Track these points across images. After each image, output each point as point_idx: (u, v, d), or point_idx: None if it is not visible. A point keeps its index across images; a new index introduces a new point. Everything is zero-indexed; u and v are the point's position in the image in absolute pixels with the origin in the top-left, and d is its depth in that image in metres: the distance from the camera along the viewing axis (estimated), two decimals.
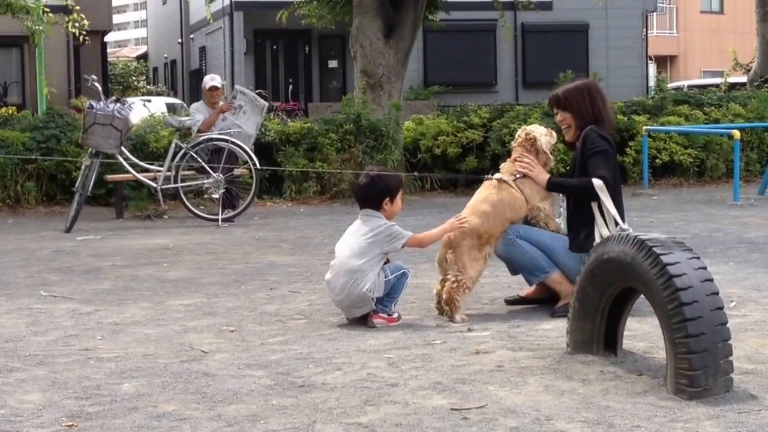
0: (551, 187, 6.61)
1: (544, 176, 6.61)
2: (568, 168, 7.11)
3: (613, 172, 6.50)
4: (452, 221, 6.47)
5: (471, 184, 15.63)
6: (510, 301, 6.86)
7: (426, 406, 4.52)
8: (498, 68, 34.55)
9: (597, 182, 6.33)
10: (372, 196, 6.40)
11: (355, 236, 6.36)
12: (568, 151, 7.22)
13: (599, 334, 5.20)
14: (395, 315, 6.33)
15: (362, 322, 6.31)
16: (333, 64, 35.02)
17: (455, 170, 15.72)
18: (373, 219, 6.36)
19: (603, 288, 5.09)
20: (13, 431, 4.29)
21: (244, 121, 13.09)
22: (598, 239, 6.15)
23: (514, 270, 6.82)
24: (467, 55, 33.35)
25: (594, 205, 6.40)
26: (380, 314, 6.28)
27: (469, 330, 6.06)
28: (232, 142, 12.54)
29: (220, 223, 12.27)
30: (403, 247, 6.39)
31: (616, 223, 6.28)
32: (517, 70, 34.84)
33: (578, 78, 7.12)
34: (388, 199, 6.39)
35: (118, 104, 12.55)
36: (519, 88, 34.14)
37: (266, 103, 13.67)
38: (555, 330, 5.95)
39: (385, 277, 6.29)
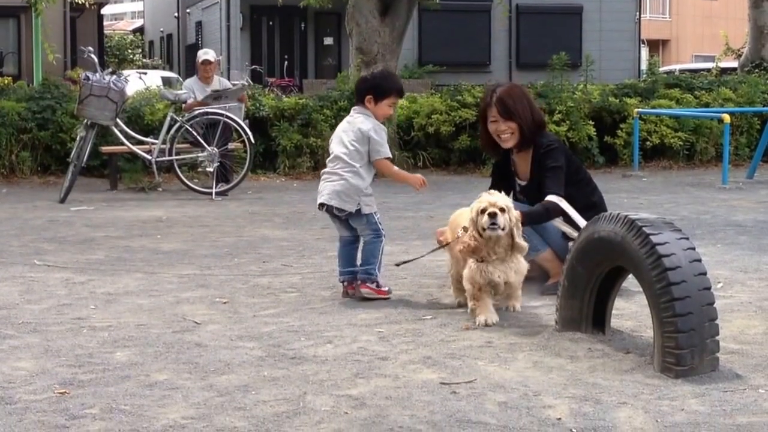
0: (528, 223, 6.41)
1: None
2: (521, 181, 6.87)
3: (575, 170, 6.68)
4: (419, 176, 6.62)
5: (464, 162, 15.71)
6: None
7: (416, 379, 4.58)
8: (492, 49, 34.55)
9: (559, 200, 6.40)
10: (360, 88, 6.55)
11: (346, 136, 6.42)
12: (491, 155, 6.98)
13: (588, 312, 5.26)
14: (386, 288, 6.40)
15: (355, 296, 6.38)
16: (328, 41, 34.99)
17: (448, 149, 15.76)
18: (361, 117, 6.43)
19: (592, 267, 5.15)
20: (6, 397, 4.33)
21: (231, 100, 13.17)
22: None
23: None
24: (461, 35, 33.34)
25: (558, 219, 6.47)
26: (368, 284, 6.36)
27: (459, 305, 6.11)
28: (227, 116, 12.58)
29: (213, 196, 12.30)
30: (375, 160, 6.41)
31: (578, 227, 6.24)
32: (510, 51, 34.83)
33: (504, 82, 7.04)
34: (371, 97, 6.44)
35: (114, 76, 12.58)
36: (512, 68, 34.14)
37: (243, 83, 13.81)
38: (544, 307, 6.01)
39: (376, 214, 6.43)
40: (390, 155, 6.47)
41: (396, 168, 6.59)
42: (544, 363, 4.82)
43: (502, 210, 5.77)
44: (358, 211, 6.36)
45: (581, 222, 6.22)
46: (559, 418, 4.03)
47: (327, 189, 6.40)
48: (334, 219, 6.51)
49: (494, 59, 34.44)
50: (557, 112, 15.38)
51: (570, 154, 6.92)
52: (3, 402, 4.26)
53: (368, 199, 6.39)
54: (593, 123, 15.77)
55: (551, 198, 6.38)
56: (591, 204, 6.60)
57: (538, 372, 4.68)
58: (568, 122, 15.44)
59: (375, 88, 6.48)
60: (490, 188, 6.75)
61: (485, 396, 4.32)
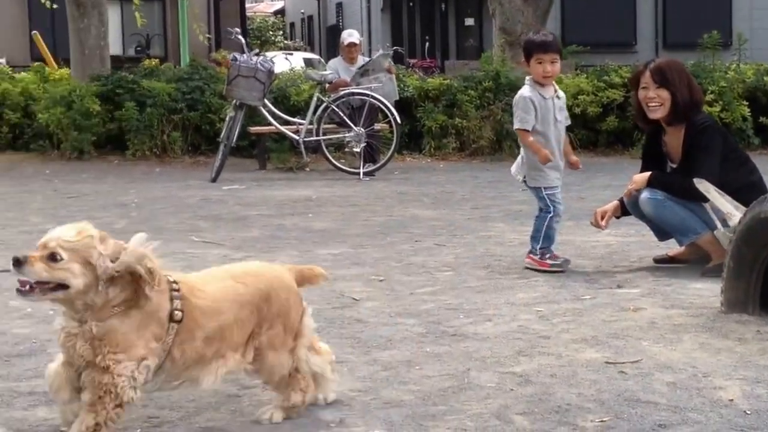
0: (653, 183, 6.49)
1: (644, 174, 6.57)
2: (672, 164, 6.69)
3: (731, 150, 6.55)
4: (546, 153, 6.49)
5: (612, 144, 15.49)
6: (658, 260, 6.79)
7: (579, 358, 4.53)
8: (637, 27, 33.94)
9: (701, 183, 6.22)
10: None
11: None
12: (640, 125, 6.91)
13: (755, 294, 5.13)
14: (550, 261, 6.44)
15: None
16: (469, 21, 34.84)
17: (595, 130, 15.55)
18: (526, 86, 6.67)
19: (759, 247, 5.03)
20: None
21: (378, 73, 13.18)
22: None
23: (662, 234, 6.76)
24: (605, 14, 32.82)
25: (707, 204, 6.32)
26: (530, 255, 6.55)
27: (619, 287, 6.03)
28: (373, 97, 12.60)
29: (361, 176, 12.37)
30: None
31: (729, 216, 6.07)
32: (657, 30, 34.17)
33: (664, 56, 6.96)
34: (524, 60, 6.67)
35: (261, 57, 12.73)
36: (659, 48, 33.48)
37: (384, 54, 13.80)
38: (706, 289, 5.87)
39: (546, 190, 6.53)
40: (524, 126, 6.51)
41: (531, 138, 6.53)
42: (711, 344, 4.72)
43: (53, 256, 3.24)
44: (524, 181, 6.62)
45: (731, 211, 6.03)
46: (732, 400, 3.94)
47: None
48: None
49: (640, 39, 33.78)
50: (709, 92, 15.03)
51: (726, 133, 6.77)
52: None
53: (535, 173, 6.53)
54: (747, 103, 15.39)
55: (696, 181, 6.21)
56: (750, 184, 6.43)
57: (705, 353, 4.58)
58: (720, 103, 15.09)
59: (523, 51, 6.74)
60: (641, 170, 6.68)
61: (653, 376, 4.25)
